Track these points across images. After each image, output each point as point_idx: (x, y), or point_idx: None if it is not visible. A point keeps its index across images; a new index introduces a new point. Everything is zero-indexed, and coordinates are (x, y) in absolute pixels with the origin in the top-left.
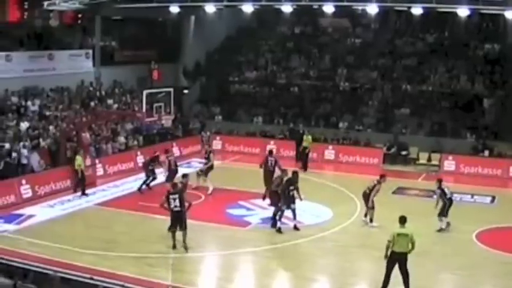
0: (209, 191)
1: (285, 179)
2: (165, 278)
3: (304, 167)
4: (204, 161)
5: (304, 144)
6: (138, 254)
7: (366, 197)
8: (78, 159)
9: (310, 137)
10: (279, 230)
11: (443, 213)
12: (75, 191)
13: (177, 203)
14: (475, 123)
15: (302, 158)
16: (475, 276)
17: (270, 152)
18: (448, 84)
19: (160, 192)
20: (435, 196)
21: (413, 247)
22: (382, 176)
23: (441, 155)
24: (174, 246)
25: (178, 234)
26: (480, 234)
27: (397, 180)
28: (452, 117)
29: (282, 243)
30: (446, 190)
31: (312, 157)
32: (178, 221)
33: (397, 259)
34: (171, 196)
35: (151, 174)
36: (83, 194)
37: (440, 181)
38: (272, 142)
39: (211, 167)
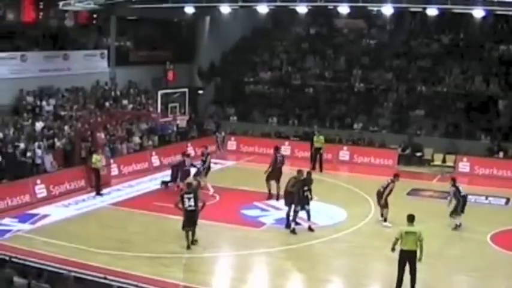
0: (211, 192)
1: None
2: (179, 278)
3: (320, 168)
4: (200, 162)
5: (317, 145)
6: (152, 254)
7: (380, 195)
8: (94, 157)
9: (322, 138)
10: (293, 231)
11: (456, 211)
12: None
13: (192, 202)
14: (489, 124)
15: (315, 159)
16: (489, 278)
17: (277, 148)
18: (463, 85)
19: (175, 193)
20: (449, 197)
21: (421, 247)
22: (396, 175)
23: (456, 157)
24: (189, 247)
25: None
26: (494, 236)
27: (412, 182)
28: (467, 119)
29: (296, 244)
30: (460, 188)
31: (326, 158)
32: (192, 220)
33: (406, 257)
34: (185, 195)
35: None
36: (98, 194)
37: (454, 180)
38: (287, 143)
39: (208, 169)
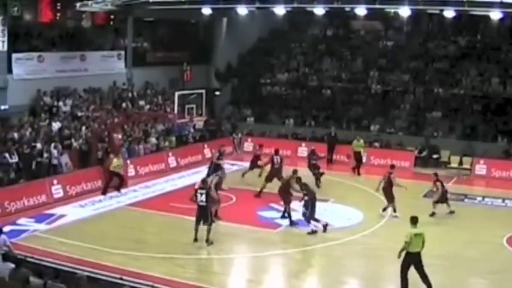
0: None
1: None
2: (195, 279)
3: (358, 172)
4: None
5: (357, 149)
6: (167, 254)
7: (387, 191)
8: (115, 161)
9: (362, 142)
10: (314, 232)
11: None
12: (118, 190)
13: (203, 198)
14: (506, 126)
15: (357, 163)
16: (506, 280)
17: (277, 150)
18: (480, 87)
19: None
20: (434, 188)
21: (423, 246)
22: (392, 166)
23: (472, 159)
24: (196, 239)
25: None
26: (511, 238)
27: (429, 184)
28: (483, 121)
29: (312, 246)
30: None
31: (341, 159)
32: (202, 215)
33: (413, 260)
34: (199, 191)
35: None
36: (103, 193)
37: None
38: (304, 144)
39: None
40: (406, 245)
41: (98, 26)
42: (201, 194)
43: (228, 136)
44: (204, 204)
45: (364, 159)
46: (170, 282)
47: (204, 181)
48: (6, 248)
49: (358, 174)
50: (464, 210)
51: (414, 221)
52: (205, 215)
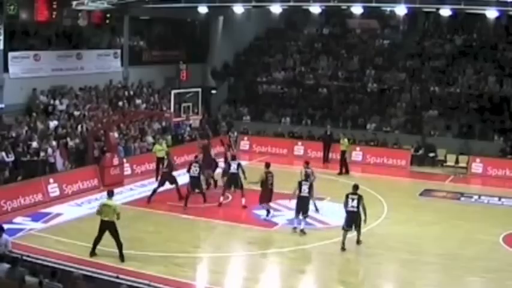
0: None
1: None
2: (192, 278)
3: (346, 170)
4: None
5: (342, 148)
6: (165, 253)
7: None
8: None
9: (346, 140)
10: (303, 231)
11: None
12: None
13: (355, 203)
14: (503, 125)
15: (343, 162)
16: (502, 279)
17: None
18: (477, 86)
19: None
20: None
21: (118, 217)
22: (267, 165)
23: (469, 157)
24: (344, 248)
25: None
26: (507, 237)
27: (425, 182)
28: (480, 119)
29: (308, 244)
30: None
31: (337, 158)
32: (353, 220)
33: (104, 226)
34: (350, 196)
35: None
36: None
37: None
38: (300, 143)
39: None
40: (98, 212)
41: (94, 24)
42: (353, 200)
43: (224, 135)
44: (355, 209)
45: (347, 159)
46: (167, 281)
47: (356, 187)
48: (5, 248)
49: (346, 172)
50: (461, 208)
51: (110, 194)
52: (358, 220)
